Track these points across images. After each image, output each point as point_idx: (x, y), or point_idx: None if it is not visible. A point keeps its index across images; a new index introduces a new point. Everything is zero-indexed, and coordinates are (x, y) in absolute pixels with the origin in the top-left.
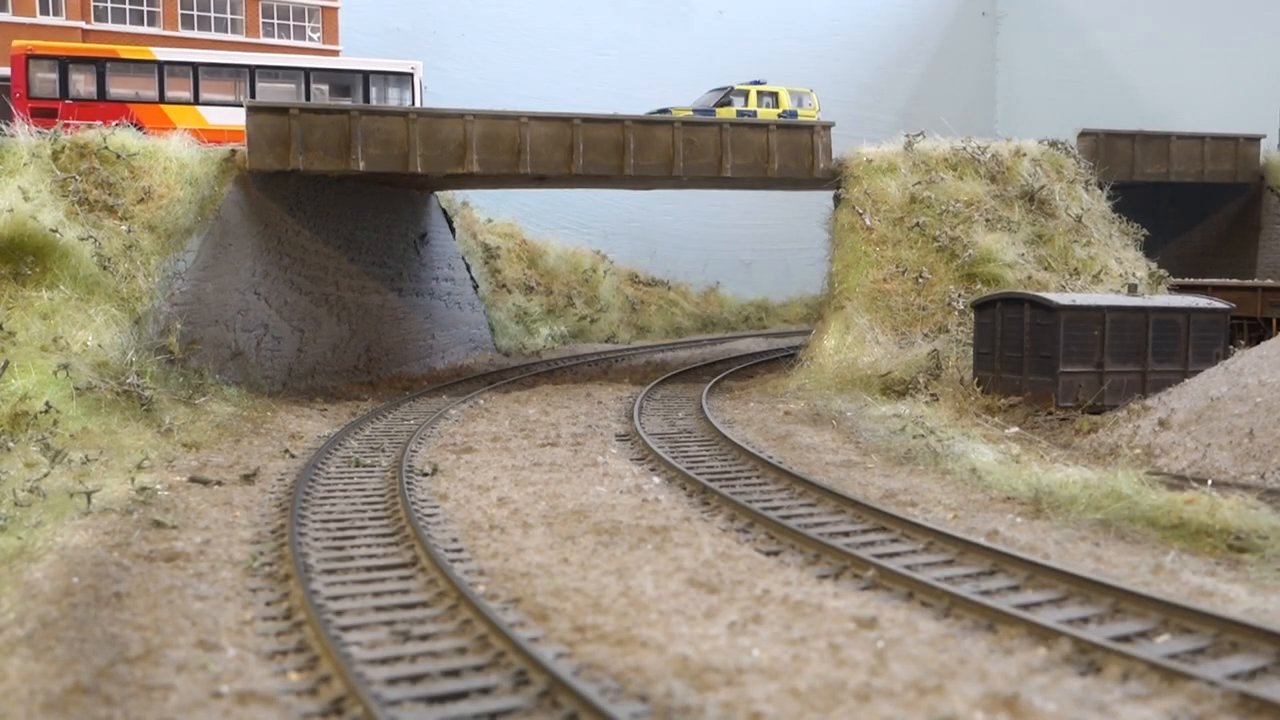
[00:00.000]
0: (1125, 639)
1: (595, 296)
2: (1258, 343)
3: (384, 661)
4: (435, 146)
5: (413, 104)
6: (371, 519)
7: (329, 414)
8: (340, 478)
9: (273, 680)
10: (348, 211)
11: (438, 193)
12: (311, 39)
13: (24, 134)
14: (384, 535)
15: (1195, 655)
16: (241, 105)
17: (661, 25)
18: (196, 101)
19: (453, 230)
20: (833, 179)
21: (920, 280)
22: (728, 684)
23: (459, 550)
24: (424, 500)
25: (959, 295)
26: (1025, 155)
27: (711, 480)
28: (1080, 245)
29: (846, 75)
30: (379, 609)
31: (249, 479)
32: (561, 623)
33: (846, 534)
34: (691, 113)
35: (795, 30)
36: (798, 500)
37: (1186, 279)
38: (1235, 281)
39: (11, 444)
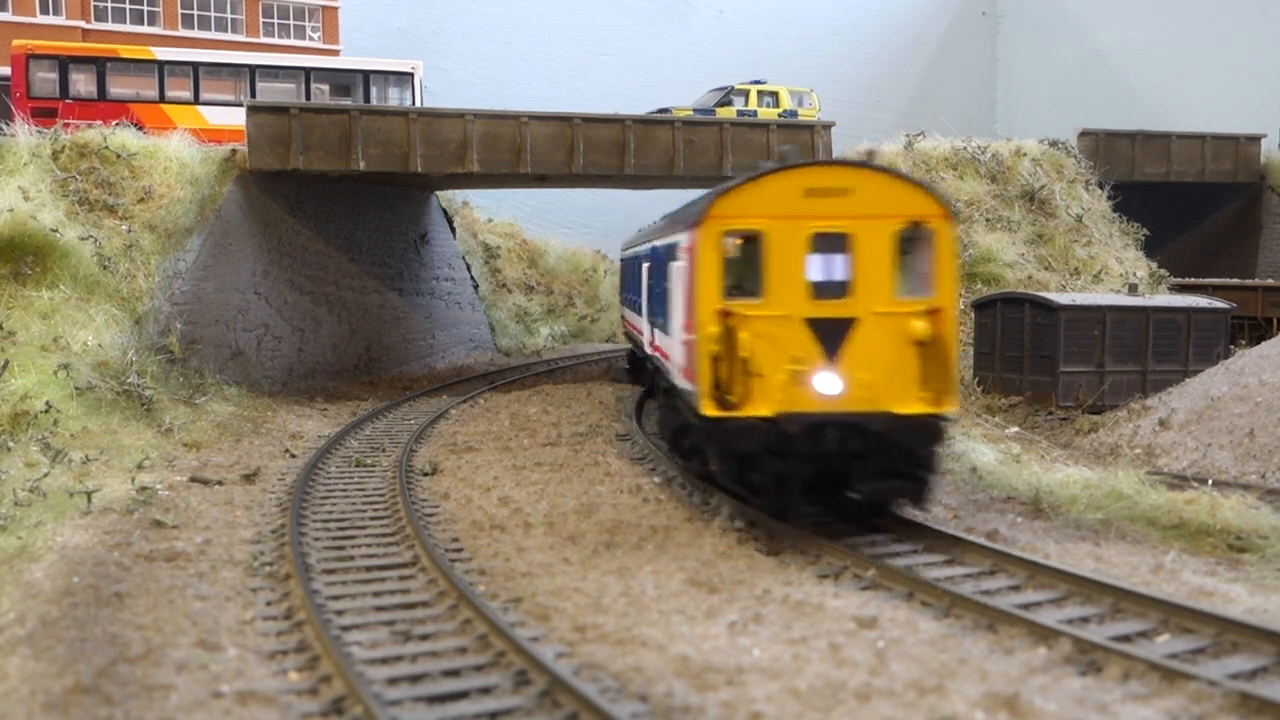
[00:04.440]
0: (1125, 639)
1: (595, 296)
2: (1258, 342)
3: (384, 661)
4: (435, 146)
5: (413, 104)
6: (372, 519)
7: (329, 413)
8: (341, 477)
9: (273, 680)
10: (348, 211)
11: (438, 192)
12: (312, 39)
13: (24, 134)
14: (384, 535)
15: (1195, 655)
16: (242, 105)
17: (661, 25)
18: (197, 101)
19: (453, 230)
20: None
21: None
22: (728, 684)
23: (459, 550)
24: (424, 500)
25: (959, 295)
26: (1025, 155)
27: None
28: (1080, 245)
29: (846, 75)
30: (379, 609)
31: (249, 479)
32: (562, 622)
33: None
34: (692, 112)
35: (795, 30)
36: None
37: (1187, 279)
38: (1236, 281)
39: (12, 444)
